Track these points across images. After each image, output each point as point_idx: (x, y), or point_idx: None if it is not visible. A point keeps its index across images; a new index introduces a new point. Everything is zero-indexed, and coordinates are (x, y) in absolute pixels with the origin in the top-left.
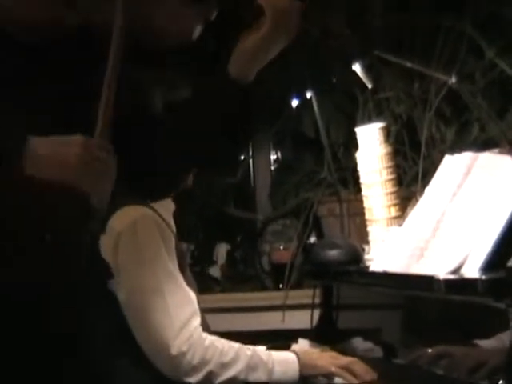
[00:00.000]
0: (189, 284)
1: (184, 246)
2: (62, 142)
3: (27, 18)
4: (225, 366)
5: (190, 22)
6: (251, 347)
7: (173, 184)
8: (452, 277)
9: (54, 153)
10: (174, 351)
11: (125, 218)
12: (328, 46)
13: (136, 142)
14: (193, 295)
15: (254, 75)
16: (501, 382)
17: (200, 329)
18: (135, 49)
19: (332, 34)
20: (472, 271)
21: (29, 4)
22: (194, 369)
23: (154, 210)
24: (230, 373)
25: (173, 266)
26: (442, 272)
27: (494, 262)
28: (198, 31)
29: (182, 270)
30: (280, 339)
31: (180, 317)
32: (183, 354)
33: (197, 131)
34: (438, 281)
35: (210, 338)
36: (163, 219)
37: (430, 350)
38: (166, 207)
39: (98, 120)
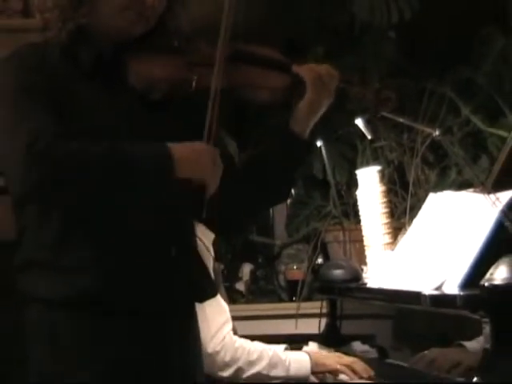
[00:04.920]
0: (222, 297)
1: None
2: (193, 148)
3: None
4: (251, 363)
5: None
6: (272, 348)
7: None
8: (435, 292)
9: (190, 155)
10: (209, 350)
11: None
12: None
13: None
14: (225, 306)
15: (310, 129)
16: (475, 378)
17: (231, 333)
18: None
19: (383, 100)
20: (452, 288)
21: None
22: (226, 365)
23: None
24: (255, 369)
25: None
26: (427, 288)
27: (470, 281)
28: None
29: (217, 286)
30: (294, 342)
31: (215, 323)
32: (217, 352)
33: (268, 181)
34: (424, 296)
35: (239, 340)
36: (204, 244)
37: (419, 355)
38: (207, 236)
39: (211, 128)
